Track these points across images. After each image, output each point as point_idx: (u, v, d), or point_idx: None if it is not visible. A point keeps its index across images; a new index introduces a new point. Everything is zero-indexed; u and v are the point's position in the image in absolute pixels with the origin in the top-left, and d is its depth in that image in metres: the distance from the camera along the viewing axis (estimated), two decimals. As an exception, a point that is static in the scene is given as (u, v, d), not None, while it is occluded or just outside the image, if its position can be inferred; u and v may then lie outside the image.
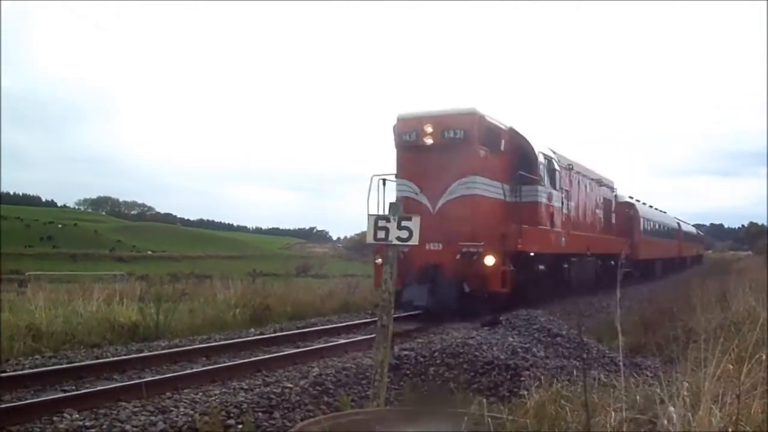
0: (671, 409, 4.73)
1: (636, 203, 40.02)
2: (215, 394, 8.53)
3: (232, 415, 7.62)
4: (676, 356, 7.68)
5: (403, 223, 7.33)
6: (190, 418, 7.40)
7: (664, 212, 54.14)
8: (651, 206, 47.91)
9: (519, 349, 10.55)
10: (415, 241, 7.35)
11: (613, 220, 32.72)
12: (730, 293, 15.05)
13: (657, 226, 45.79)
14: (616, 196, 34.55)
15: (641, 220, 39.17)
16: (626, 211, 37.06)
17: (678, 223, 58.53)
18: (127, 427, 7.12)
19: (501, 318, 13.65)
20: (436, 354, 10.19)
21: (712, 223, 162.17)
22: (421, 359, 10.11)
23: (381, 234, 7.38)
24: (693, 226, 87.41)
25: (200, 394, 8.49)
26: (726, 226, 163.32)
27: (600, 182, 30.48)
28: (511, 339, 11.43)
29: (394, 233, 7.32)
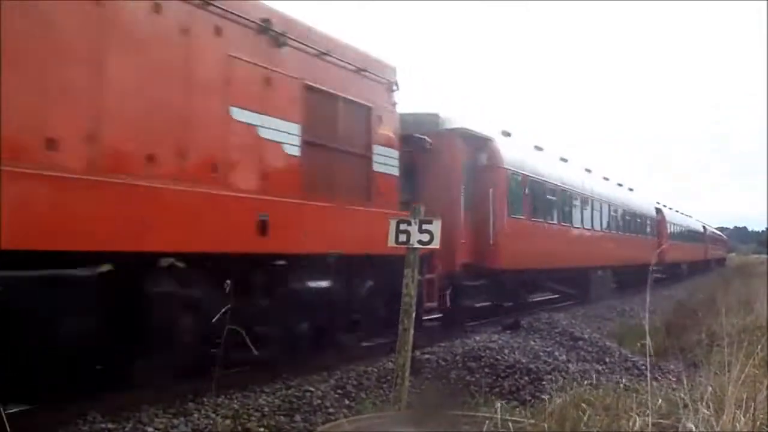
0: (703, 411, 4.70)
1: (497, 141, 18.17)
2: (237, 398, 8.54)
3: (253, 418, 7.65)
4: (699, 360, 7.64)
5: (425, 227, 7.33)
6: (211, 421, 7.44)
7: (615, 184, 31.57)
8: (575, 165, 26.06)
9: (541, 353, 10.51)
10: (436, 244, 7.35)
11: (389, 171, 13.28)
12: (754, 297, 14.94)
13: (584, 204, 24.75)
14: (418, 120, 15.51)
15: (512, 178, 18.45)
16: (457, 155, 16.28)
17: (658, 210, 38.73)
18: (150, 429, 7.15)
19: (522, 321, 13.58)
20: (458, 358, 10.17)
21: (735, 226, 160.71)
22: (443, 363, 10.09)
23: (402, 237, 7.38)
24: (716, 228, 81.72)
25: (222, 397, 8.51)
26: (750, 229, 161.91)
27: (273, 36, 10.31)
28: (532, 343, 11.39)
29: (416, 236, 7.33)
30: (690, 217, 53.29)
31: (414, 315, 7.28)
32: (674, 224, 42.74)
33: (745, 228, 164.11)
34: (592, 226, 25.54)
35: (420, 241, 7.31)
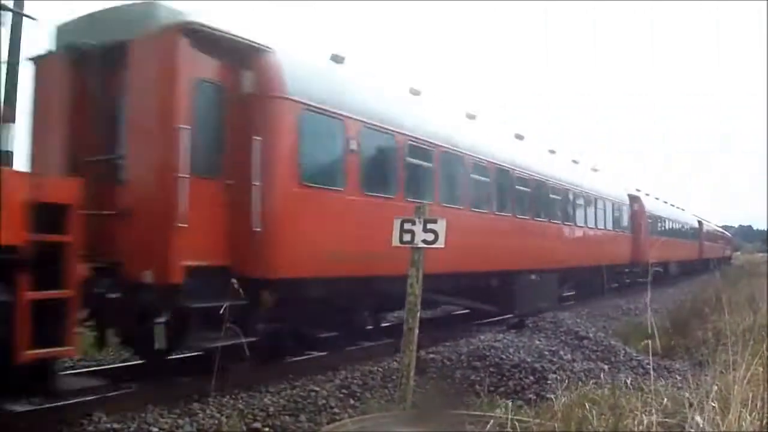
0: (709, 410, 4.69)
1: (278, 55, 10.09)
2: (242, 398, 8.55)
3: (258, 418, 7.66)
4: (705, 359, 7.64)
5: (429, 226, 7.33)
6: (216, 421, 7.45)
7: (568, 160, 24.14)
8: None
9: (546, 352, 10.50)
10: (441, 244, 7.34)
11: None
12: (759, 295, 14.91)
13: (502, 180, 16.80)
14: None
15: (313, 121, 10.50)
16: (177, 69, 8.93)
17: (634, 198, 30.77)
18: (155, 429, 7.17)
19: (527, 321, 13.57)
20: (463, 357, 10.17)
21: (740, 225, 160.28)
22: (448, 362, 10.10)
23: (407, 237, 7.38)
24: (721, 227, 79.56)
25: (227, 397, 8.52)
26: (755, 228, 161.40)
27: None
28: (537, 342, 11.39)
29: (420, 236, 7.32)
30: (683, 210, 45.24)
31: (418, 314, 7.27)
32: (657, 217, 35.29)
33: (750, 227, 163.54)
34: (517, 212, 17.46)
35: (425, 241, 7.31)
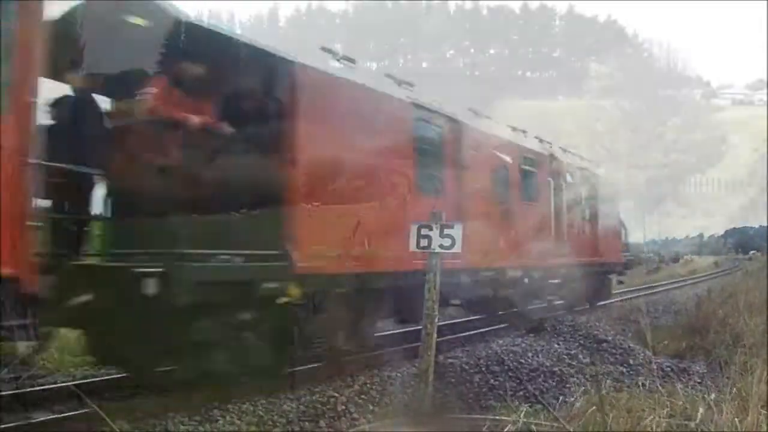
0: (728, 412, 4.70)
1: None
2: (262, 404, 8.58)
3: (278, 424, 7.69)
4: (723, 361, 7.62)
5: (446, 231, 7.35)
6: (236, 428, 7.48)
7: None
8: None
9: (564, 356, 10.48)
10: (457, 249, 7.36)
11: None
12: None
13: None
14: None
15: None
16: None
17: None
18: (176, 436, 7.22)
19: (546, 324, 13.53)
20: (481, 362, 10.16)
21: (761, 225, 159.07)
22: (466, 367, 10.09)
23: (424, 242, 7.41)
24: (738, 228, 77.91)
25: (247, 404, 8.55)
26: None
27: None
28: (556, 345, 11.36)
29: (437, 241, 7.34)
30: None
31: (436, 320, 7.30)
32: None
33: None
34: None
35: (441, 246, 7.33)
